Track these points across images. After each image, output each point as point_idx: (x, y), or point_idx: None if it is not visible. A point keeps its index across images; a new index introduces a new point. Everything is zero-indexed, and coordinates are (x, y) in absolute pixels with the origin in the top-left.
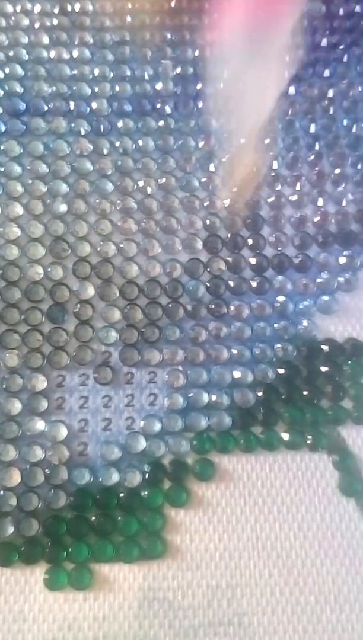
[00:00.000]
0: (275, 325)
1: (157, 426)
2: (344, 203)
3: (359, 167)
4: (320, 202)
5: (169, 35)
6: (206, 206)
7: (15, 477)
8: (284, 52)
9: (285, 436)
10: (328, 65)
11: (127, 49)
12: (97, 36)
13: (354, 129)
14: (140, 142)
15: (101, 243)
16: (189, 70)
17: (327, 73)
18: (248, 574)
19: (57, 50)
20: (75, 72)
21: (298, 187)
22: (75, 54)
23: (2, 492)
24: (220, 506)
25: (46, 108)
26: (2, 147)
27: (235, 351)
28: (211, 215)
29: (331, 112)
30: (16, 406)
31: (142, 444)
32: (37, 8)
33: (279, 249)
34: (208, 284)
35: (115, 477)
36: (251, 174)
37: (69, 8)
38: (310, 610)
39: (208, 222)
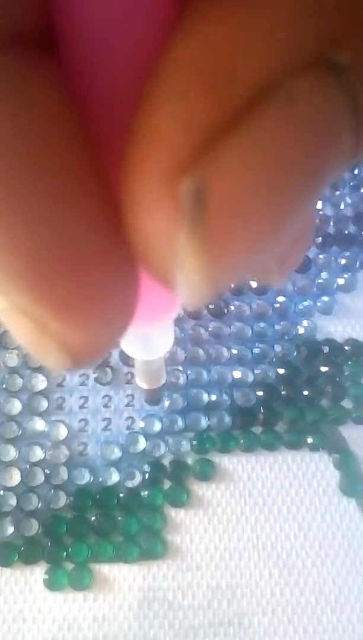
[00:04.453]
0: (275, 325)
1: (157, 426)
2: (342, 206)
3: (356, 172)
4: (319, 205)
5: None
6: None
7: (15, 477)
8: None
9: (285, 436)
10: None
11: None
12: None
13: None
14: None
15: None
16: None
17: None
18: (248, 574)
19: None
20: None
21: None
22: None
23: (2, 492)
24: (220, 506)
25: None
26: None
27: (235, 351)
28: None
29: None
30: (16, 406)
31: (142, 444)
32: None
33: None
34: None
35: (115, 477)
36: None
37: None
38: (310, 610)
39: None
